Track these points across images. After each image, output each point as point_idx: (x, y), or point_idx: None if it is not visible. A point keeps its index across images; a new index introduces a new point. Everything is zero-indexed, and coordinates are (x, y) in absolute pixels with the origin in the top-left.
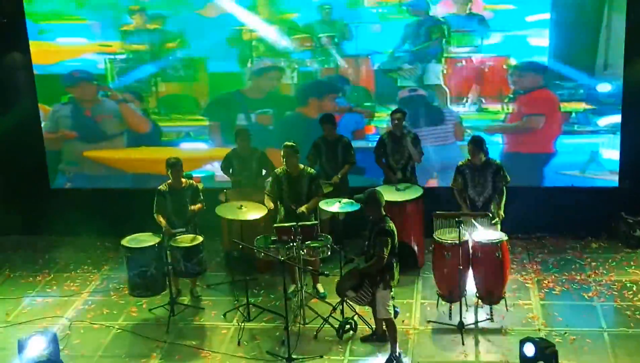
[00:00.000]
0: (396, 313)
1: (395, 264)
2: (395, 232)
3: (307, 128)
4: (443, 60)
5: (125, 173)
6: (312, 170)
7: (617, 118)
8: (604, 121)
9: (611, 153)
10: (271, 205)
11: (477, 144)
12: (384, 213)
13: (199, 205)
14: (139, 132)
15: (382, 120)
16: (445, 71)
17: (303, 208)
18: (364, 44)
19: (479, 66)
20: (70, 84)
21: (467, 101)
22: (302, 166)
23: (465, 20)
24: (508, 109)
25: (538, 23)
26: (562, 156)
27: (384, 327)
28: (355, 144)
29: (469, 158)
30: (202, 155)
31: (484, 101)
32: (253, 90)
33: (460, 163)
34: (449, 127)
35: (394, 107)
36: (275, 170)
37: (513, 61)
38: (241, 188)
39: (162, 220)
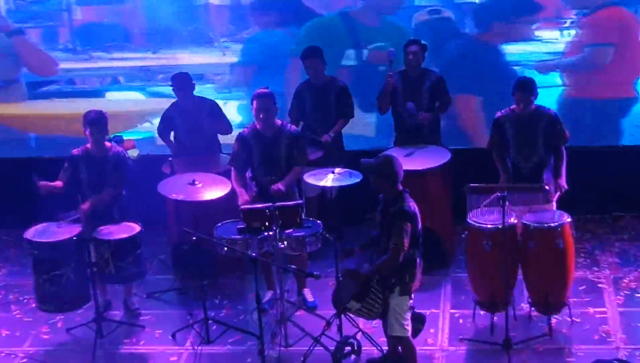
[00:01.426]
0: (422, 323)
1: (417, 260)
2: (418, 214)
3: None
4: None
5: (27, 135)
6: (293, 128)
7: None
8: None
9: None
10: (245, 197)
11: (525, 88)
12: (401, 188)
13: (105, 192)
14: (43, 77)
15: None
16: None
17: (279, 184)
18: None
19: None
20: None
21: None
22: (279, 122)
23: None
24: (569, 36)
25: None
26: None
27: (399, 348)
28: None
29: (513, 106)
30: (136, 109)
31: (536, 26)
32: (367, 13)
33: (499, 113)
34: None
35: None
36: (242, 131)
37: None
38: (188, 156)
39: (50, 185)
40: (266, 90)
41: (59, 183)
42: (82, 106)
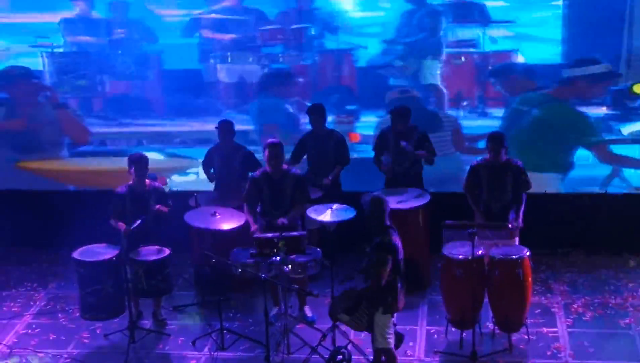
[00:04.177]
0: (400, 340)
1: (399, 285)
2: (399, 247)
3: None
4: (441, 56)
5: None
6: (298, 171)
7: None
8: (630, 129)
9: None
10: (254, 226)
11: (498, 140)
12: (387, 223)
13: (164, 208)
14: (80, 144)
15: (369, 125)
16: (442, 69)
17: (283, 219)
18: (346, 37)
19: (481, 63)
20: (5, 81)
21: (467, 104)
22: (286, 166)
23: (464, 9)
24: None
25: (549, 10)
26: (580, 169)
27: (382, 357)
28: None
29: (486, 156)
30: (157, 167)
31: (485, 104)
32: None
33: (475, 162)
34: (446, 135)
35: (381, 111)
36: (253, 174)
37: (521, 58)
38: (220, 189)
39: (119, 223)
40: (276, 140)
41: (122, 225)
42: (112, 163)
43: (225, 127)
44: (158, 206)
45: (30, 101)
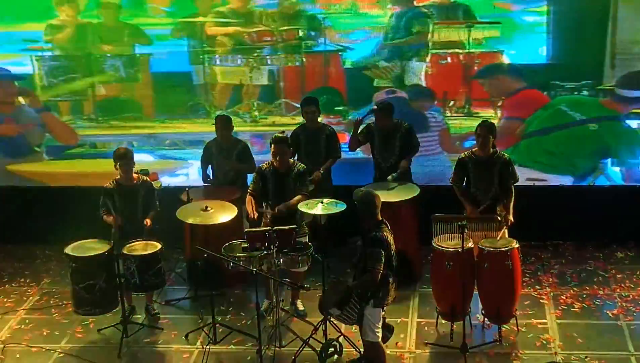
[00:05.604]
0: (391, 332)
1: (391, 279)
2: (391, 241)
3: None
4: (428, 57)
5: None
6: (302, 165)
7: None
8: None
9: None
10: (266, 210)
11: (488, 127)
12: (379, 218)
13: (150, 215)
14: (66, 145)
15: None
16: (428, 70)
17: (280, 206)
18: (334, 39)
19: (467, 63)
20: None
21: (453, 105)
22: (292, 161)
23: (448, 10)
24: (500, 113)
25: (534, 12)
26: None
27: (371, 350)
28: None
29: (473, 149)
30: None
31: (471, 104)
32: None
33: (462, 154)
34: (433, 136)
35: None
36: (261, 165)
37: (506, 59)
38: (218, 185)
39: (110, 218)
40: (282, 135)
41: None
42: (103, 165)
43: (224, 122)
44: (146, 221)
45: (8, 102)
